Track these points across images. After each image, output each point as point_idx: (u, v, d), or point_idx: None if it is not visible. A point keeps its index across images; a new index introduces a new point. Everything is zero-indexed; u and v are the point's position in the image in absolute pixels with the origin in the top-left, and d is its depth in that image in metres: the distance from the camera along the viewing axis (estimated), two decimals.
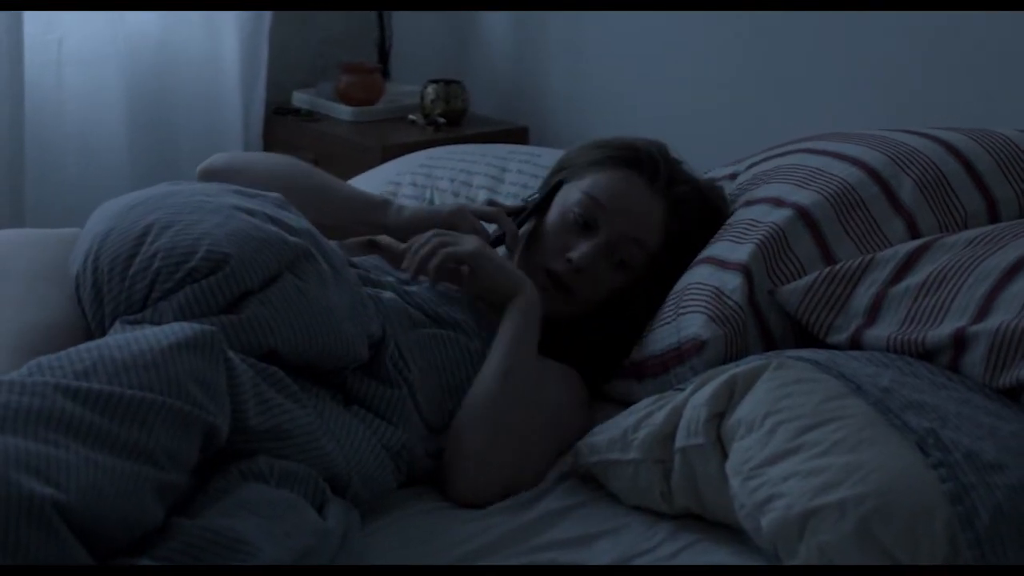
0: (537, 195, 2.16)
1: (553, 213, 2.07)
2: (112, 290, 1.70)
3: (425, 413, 1.83)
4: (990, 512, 1.54)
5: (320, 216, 2.03)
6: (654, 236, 2.04)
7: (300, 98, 3.60)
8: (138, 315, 1.68)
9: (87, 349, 1.49)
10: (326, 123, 3.47)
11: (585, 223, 2.03)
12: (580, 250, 2.02)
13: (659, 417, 1.79)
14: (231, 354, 1.58)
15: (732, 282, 1.97)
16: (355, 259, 1.99)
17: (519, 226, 2.09)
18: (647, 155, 2.07)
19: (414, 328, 1.88)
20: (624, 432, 1.81)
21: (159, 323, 1.64)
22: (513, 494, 1.81)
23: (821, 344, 1.93)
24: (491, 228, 2.11)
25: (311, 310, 1.72)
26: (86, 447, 1.37)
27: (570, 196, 2.07)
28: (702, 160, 2.59)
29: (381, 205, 2.08)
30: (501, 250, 2.07)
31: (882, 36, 2.80)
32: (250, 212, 1.77)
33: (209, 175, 2.07)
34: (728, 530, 1.72)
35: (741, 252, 2.00)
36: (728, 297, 1.95)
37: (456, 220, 2.04)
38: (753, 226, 2.04)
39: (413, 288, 1.96)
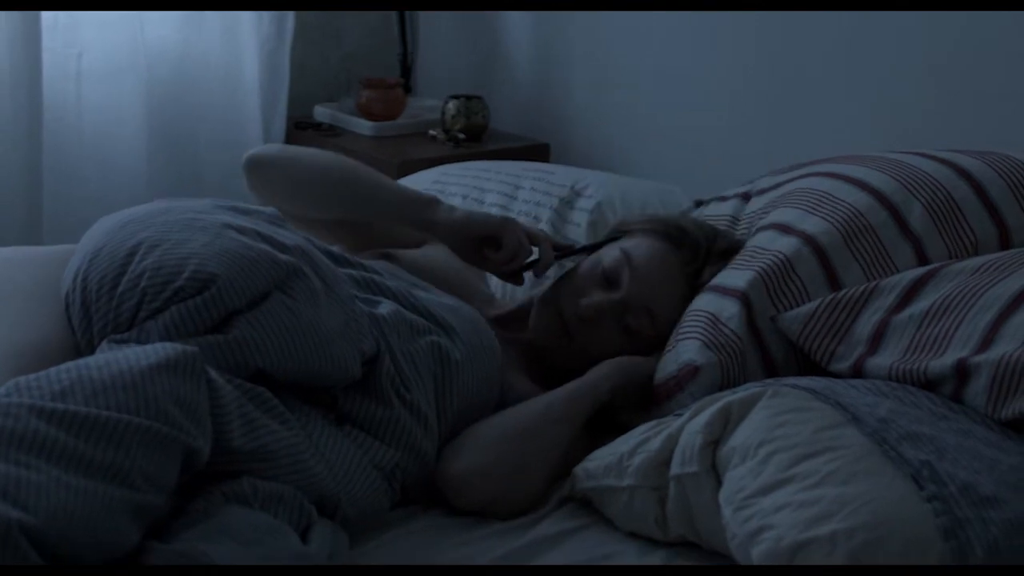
0: (589, 242, 2.20)
1: (588, 261, 2.09)
2: (100, 309, 1.69)
3: (430, 421, 1.82)
4: (985, 548, 1.51)
5: (368, 212, 2.08)
6: (667, 314, 2.03)
7: (322, 112, 3.59)
8: (125, 335, 1.67)
9: (66, 369, 1.47)
10: (346, 138, 3.46)
11: (609, 278, 2.04)
12: (591, 299, 2.03)
13: (655, 444, 1.77)
14: (214, 374, 1.57)
15: (729, 309, 1.95)
16: (366, 263, 1.98)
17: (558, 260, 2.10)
18: (693, 240, 2.09)
19: (417, 336, 1.87)
20: (620, 458, 1.79)
21: (145, 343, 1.63)
22: (492, 511, 1.82)
23: (823, 372, 1.91)
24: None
25: (299, 329, 1.71)
26: (59, 469, 1.36)
27: (609, 251, 2.09)
28: (723, 178, 2.58)
29: (431, 202, 2.09)
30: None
31: (899, 55, 2.78)
32: (241, 230, 1.76)
33: (257, 164, 2.08)
34: (723, 558, 1.69)
35: (740, 279, 1.98)
36: (724, 324, 1.93)
37: (505, 232, 2.05)
38: (758, 254, 2.01)
39: (421, 293, 1.95)
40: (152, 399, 1.46)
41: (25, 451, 1.36)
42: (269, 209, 1.91)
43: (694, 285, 2.06)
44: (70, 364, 1.49)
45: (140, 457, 1.42)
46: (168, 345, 1.54)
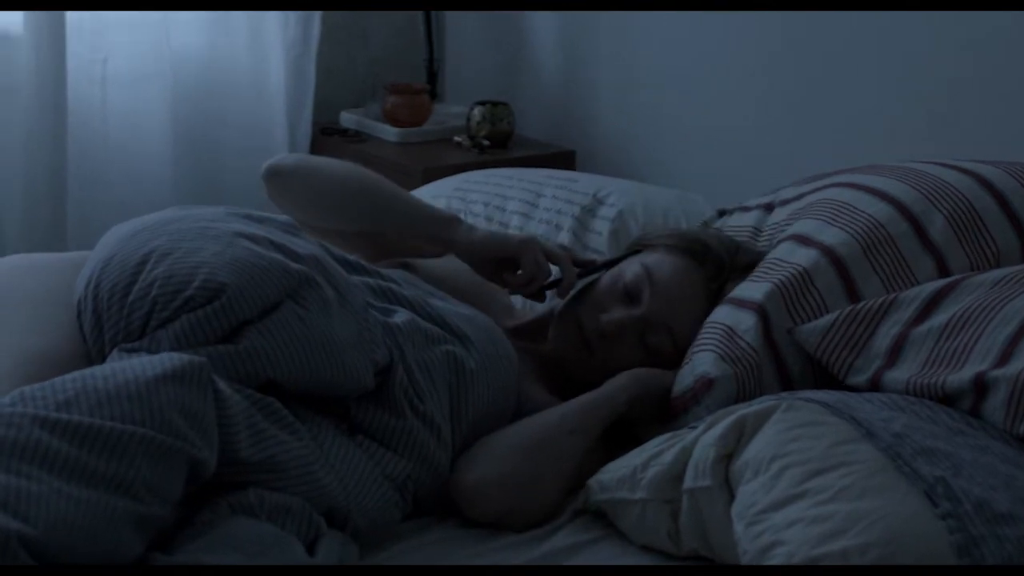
0: (608, 257, 2.18)
1: (608, 275, 2.07)
2: (111, 318, 1.69)
3: (443, 433, 1.81)
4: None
5: (385, 226, 2.07)
6: (687, 332, 2.01)
7: (348, 118, 3.59)
8: (135, 344, 1.66)
9: (72, 379, 1.47)
10: (371, 144, 3.45)
11: (630, 294, 2.03)
12: (612, 315, 2.01)
13: (668, 456, 1.75)
14: (222, 384, 1.56)
15: (746, 322, 1.93)
16: (383, 271, 1.98)
17: (580, 277, 2.08)
18: (715, 256, 2.06)
19: (432, 346, 1.86)
20: (633, 471, 1.78)
21: (156, 352, 1.63)
22: (506, 522, 1.81)
23: (840, 385, 1.88)
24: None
25: (311, 339, 1.70)
26: (60, 480, 1.35)
27: (630, 266, 2.06)
28: (752, 184, 2.56)
29: (451, 221, 2.08)
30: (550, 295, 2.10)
31: (927, 59, 2.75)
32: (253, 238, 1.75)
33: (276, 173, 2.07)
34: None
35: (758, 291, 1.96)
36: (740, 337, 1.91)
37: (523, 252, 2.03)
38: (776, 266, 1.99)
39: (437, 302, 1.94)
40: (157, 410, 1.45)
41: (27, 462, 1.36)
42: (283, 217, 1.90)
43: (715, 302, 2.03)
44: (76, 374, 1.49)
45: (144, 468, 1.42)
46: (175, 355, 1.53)
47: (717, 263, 2.06)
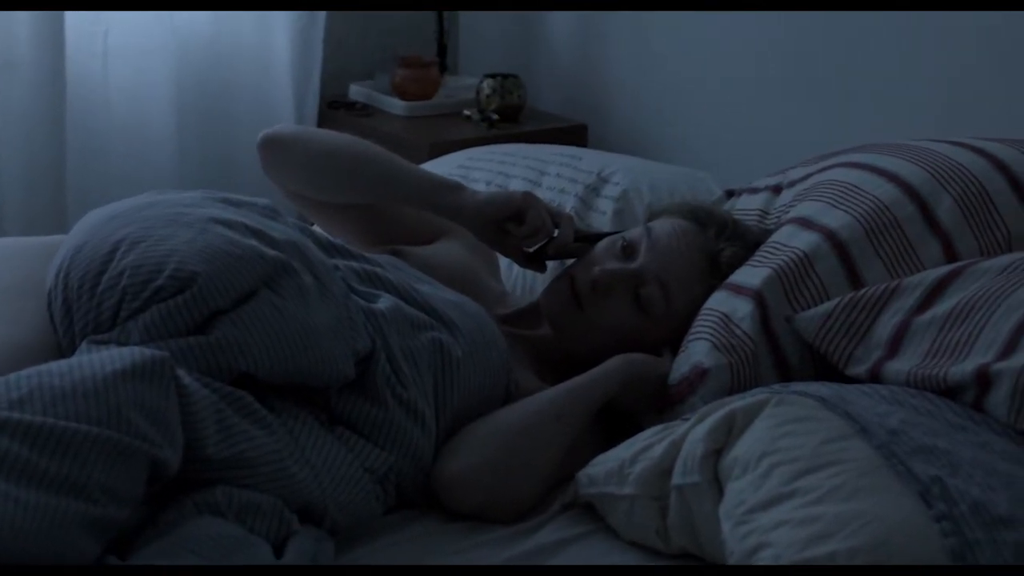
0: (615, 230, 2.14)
1: (610, 238, 2.03)
2: (81, 308, 1.64)
3: (427, 420, 1.76)
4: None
5: (390, 195, 2.02)
6: (680, 289, 1.95)
7: (357, 91, 3.53)
8: (105, 335, 1.61)
9: (27, 375, 1.42)
10: (379, 118, 3.40)
11: (628, 250, 1.97)
12: (605, 265, 1.95)
13: (658, 451, 1.69)
14: (187, 380, 1.51)
15: (742, 309, 1.86)
16: (369, 255, 1.92)
17: (578, 240, 2.03)
18: (719, 220, 2.03)
19: (417, 332, 1.80)
20: (621, 465, 1.72)
21: (126, 343, 1.58)
22: (489, 514, 1.75)
23: (840, 375, 1.82)
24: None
25: (287, 328, 1.64)
26: (8, 483, 1.30)
27: (634, 229, 2.03)
28: (765, 163, 2.50)
29: (455, 187, 2.04)
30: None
31: (942, 37, 2.68)
32: (228, 224, 1.70)
33: (272, 143, 2.03)
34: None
35: (755, 277, 1.89)
36: (736, 325, 1.85)
37: (528, 205, 1.99)
38: (776, 250, 1.92)
39: (424, 288, 1.88)
40: (114, 407, 1.40)
41: None
42: (263, 201, 1.84)
43: (715, 264, 1.98)
44: (32, 370, 1.44)
45: (98, 469, 1.37)
46: (136, 350, 1.48)
47: (720, 226, 2.01)
